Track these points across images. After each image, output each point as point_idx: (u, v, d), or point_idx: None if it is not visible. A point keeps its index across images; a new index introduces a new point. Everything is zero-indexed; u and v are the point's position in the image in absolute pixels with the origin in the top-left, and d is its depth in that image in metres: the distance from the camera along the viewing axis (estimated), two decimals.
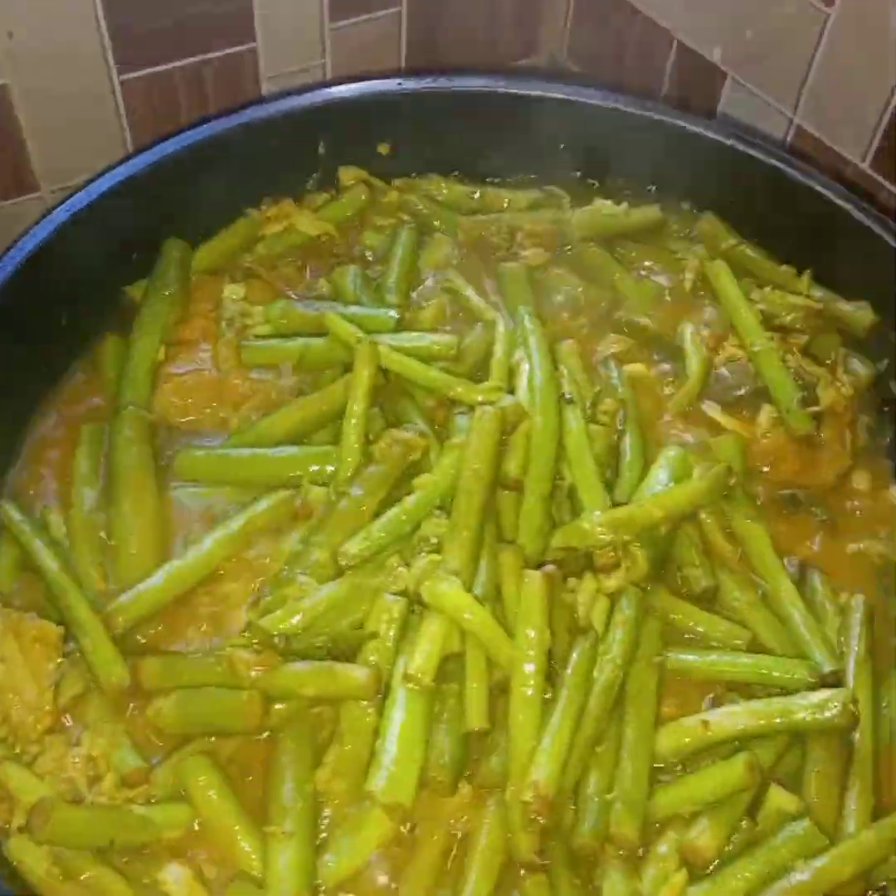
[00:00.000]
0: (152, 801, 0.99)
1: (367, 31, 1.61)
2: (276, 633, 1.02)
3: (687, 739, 1.03)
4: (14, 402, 1.24)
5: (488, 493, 1.09)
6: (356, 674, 1.00)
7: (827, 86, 1.42)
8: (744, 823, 1.00)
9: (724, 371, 1.28)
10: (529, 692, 0.99)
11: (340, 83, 1.35)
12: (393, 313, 1.25)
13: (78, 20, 1.39)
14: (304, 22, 1.54)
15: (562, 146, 1.44)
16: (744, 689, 1.07)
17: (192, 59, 1.50)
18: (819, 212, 1.30)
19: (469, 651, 1.01)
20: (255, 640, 1.02)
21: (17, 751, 1.00)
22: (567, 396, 1.20)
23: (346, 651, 1.03)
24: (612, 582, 1.07)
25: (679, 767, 1.03)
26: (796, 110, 1.48)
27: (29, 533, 1.12)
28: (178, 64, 1.49)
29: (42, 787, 0.96)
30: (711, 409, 1.26)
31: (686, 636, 1.10)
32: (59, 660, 1.04)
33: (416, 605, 1.04)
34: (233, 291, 1.30)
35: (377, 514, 1.09)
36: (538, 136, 1.41)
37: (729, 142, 1.34)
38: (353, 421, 1.15)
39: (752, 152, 1.33)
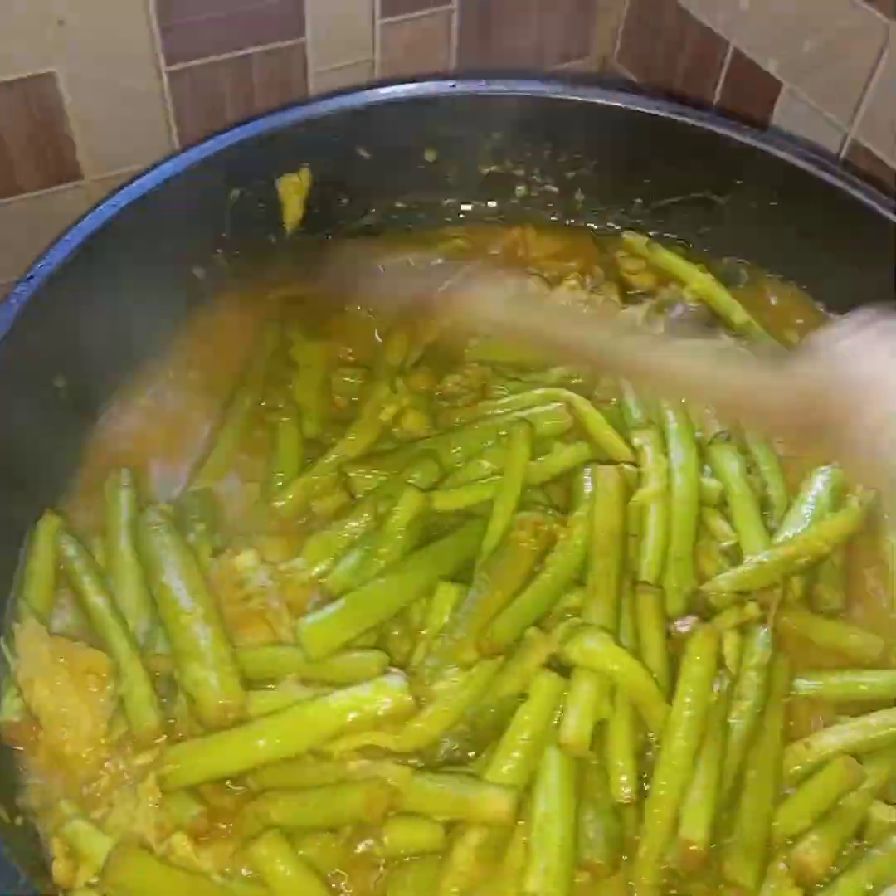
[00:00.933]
0: (226, 871, 0.93)
1: (418, 27, 1.59)
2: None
3: (792, 763, 1.00)
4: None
5: (622, 551, 1.06)
6: (493, 802, 0.92)
7: (885, 100, 1.39)
8: (854, 843, 0.97)
9: None
10: (682, 746, 0.96)
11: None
12: None
13: (128, 10, 1.38)
14: (354, 17, 1.53)
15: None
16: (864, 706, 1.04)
17: (239, 52, 1.48)
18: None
19: (616, 713, 0.98)
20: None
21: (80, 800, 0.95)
22: (723, 434, 1.20)
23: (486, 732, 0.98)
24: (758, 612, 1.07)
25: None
26: (852, 125, 1.45)
27: (75, 559, 1.08)
28: (225, 56, 1.48)
29: (109, 843, 0.91)
30: None
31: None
32: (110, 692, 0.99)
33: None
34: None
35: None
36: None
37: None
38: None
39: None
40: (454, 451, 1.16)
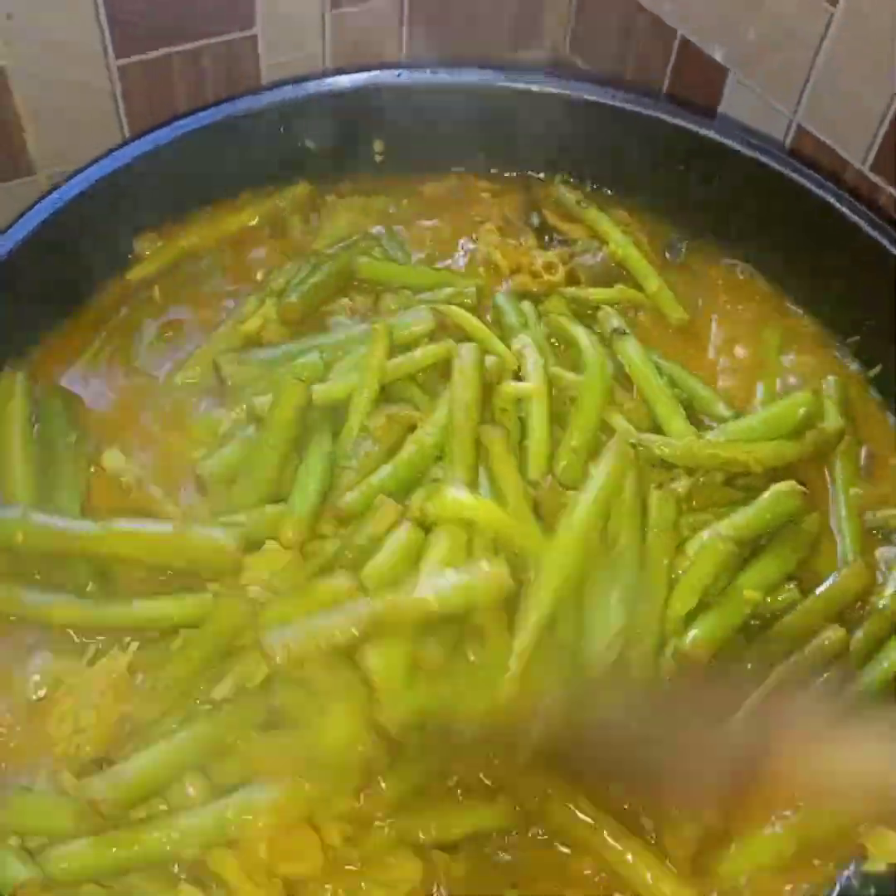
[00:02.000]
0: None
1: (368, 17, 1.60)
2: None
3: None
4: None
5: (478, 420, 1.12)
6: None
7: (829, 86, 1.42)
8: None
9: None
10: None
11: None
12: None
13: (76, 3, 1.38)
14: (303, 8, 1.53)
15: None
16: None
17: (191, 45, 1.49)
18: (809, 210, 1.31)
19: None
20: None
21: None
22: (619, 328, 1.26)
23: None
24: None
25: None
26: (797, 111, 1.47)
27: None
28: (176, 49, 1.48)
29: None
30: None
31: None
32: None
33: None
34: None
35: None
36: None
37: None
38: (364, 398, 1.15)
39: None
40: (323, 353, 1.21)
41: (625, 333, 1.26)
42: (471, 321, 1.25)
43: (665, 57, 1.62)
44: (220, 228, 1.40)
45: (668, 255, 1.44)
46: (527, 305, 1.32)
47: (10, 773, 0.97)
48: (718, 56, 1.54)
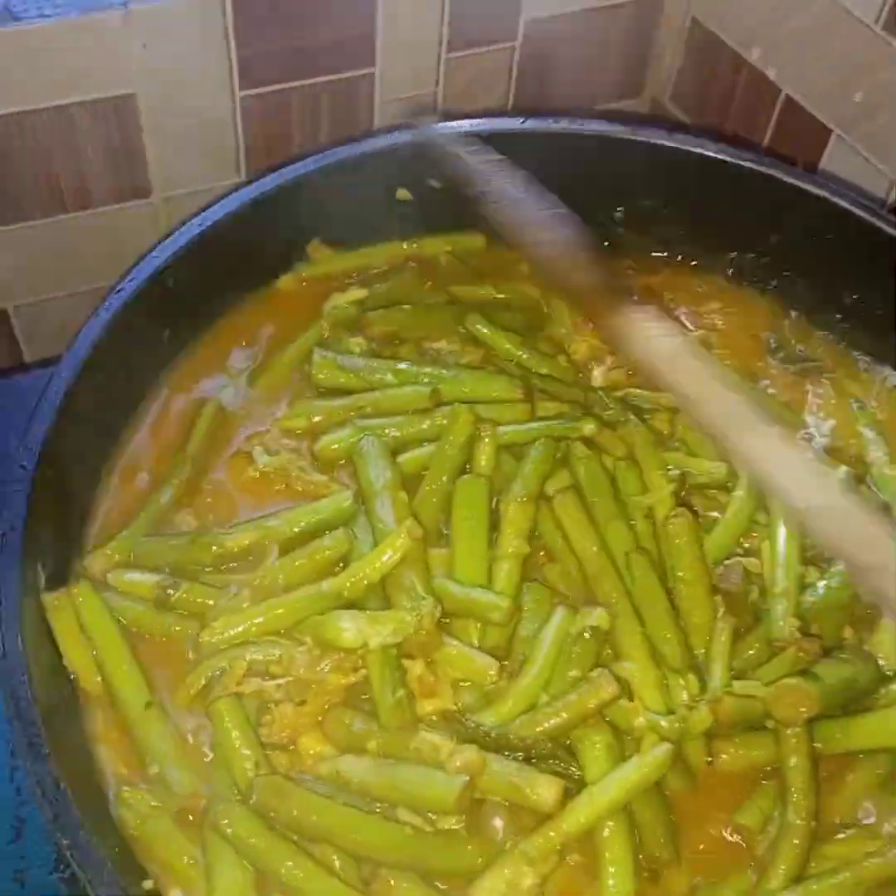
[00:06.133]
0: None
1: (481, 63, 1.65)
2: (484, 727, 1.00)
3: None
4: None
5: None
6: (544, 795, 0.95)
7: None
8: None
9: None
10: None
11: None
12: None
13: (207, 35, 1.43)
14: (422, 50, 1.58)
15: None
16: None
17: (310, 81, 1.54)
18: None
19: None
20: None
21: None
22: None
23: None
24: None
25: None
26: None
27: None
28: (296, 84, 1.53)
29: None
30: None
31: None
32: None
33: None
34: None
35: None
36: None
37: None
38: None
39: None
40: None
41: None
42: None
43: (768, 113, 1.65)
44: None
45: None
46: None
47: None
48: (822, 116, 1.57)
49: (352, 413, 1.22)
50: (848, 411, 1.35)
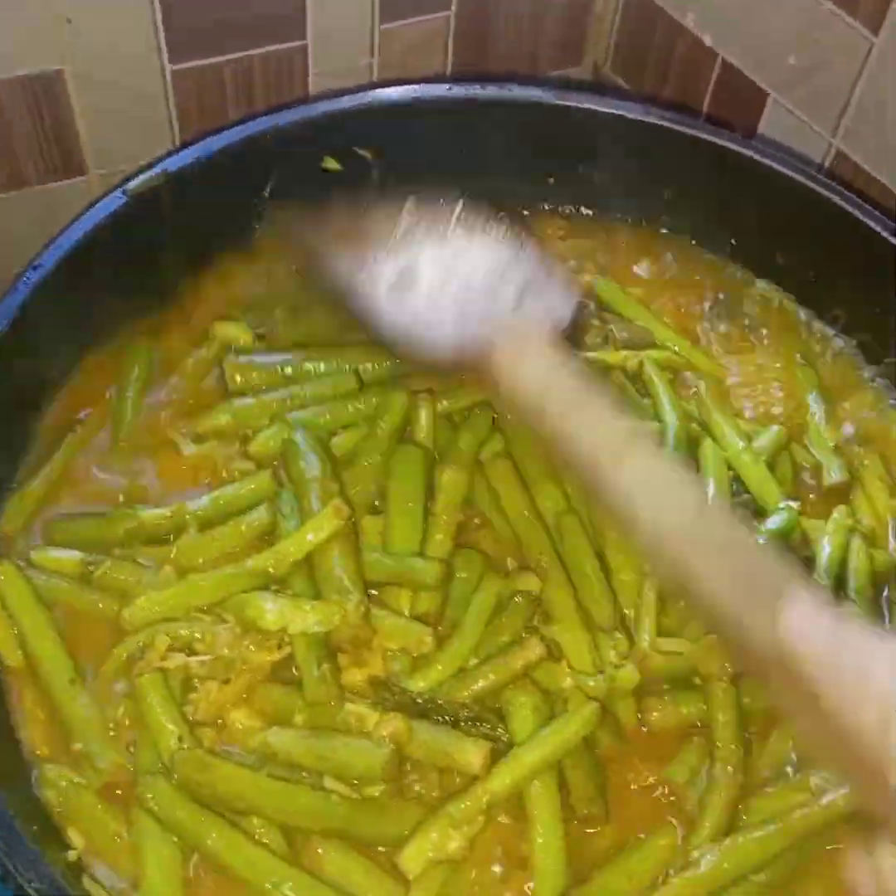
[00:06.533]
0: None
1: (416, 32, 1.63)
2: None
3: None
4: None
5: None
6: (472, 759, 0.95)
7: (868, 113, 1.44)
8: None
9: None
10: None
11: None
12: None
13: (134, 9, 1.41)
14: (354, 21, 1.57)
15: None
16: None
17: (242, 54, 1.52)
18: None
19: None
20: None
21: None
22: None
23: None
24: None
25: None
26: (836, 135, 1.49)
27: None
28: (228, 57, 1.52)
29: None
30: None
31: None
32: None
33: None
34: None
35: None
36: None
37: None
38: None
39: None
40: None
41: None
42: None
43: (706, 79, 1.65)
44: None
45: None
46: None
47: None
48: (759, 79, 1.57)
49: (276, 407, 1.19)
50: (789, 372, 1.36)
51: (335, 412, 1.19)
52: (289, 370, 1.22)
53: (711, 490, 1.13)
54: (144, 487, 1.16)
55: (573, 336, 1.05)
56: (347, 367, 1.22)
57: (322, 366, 1.22)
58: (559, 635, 1.03)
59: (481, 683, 0.99)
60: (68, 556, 1.06)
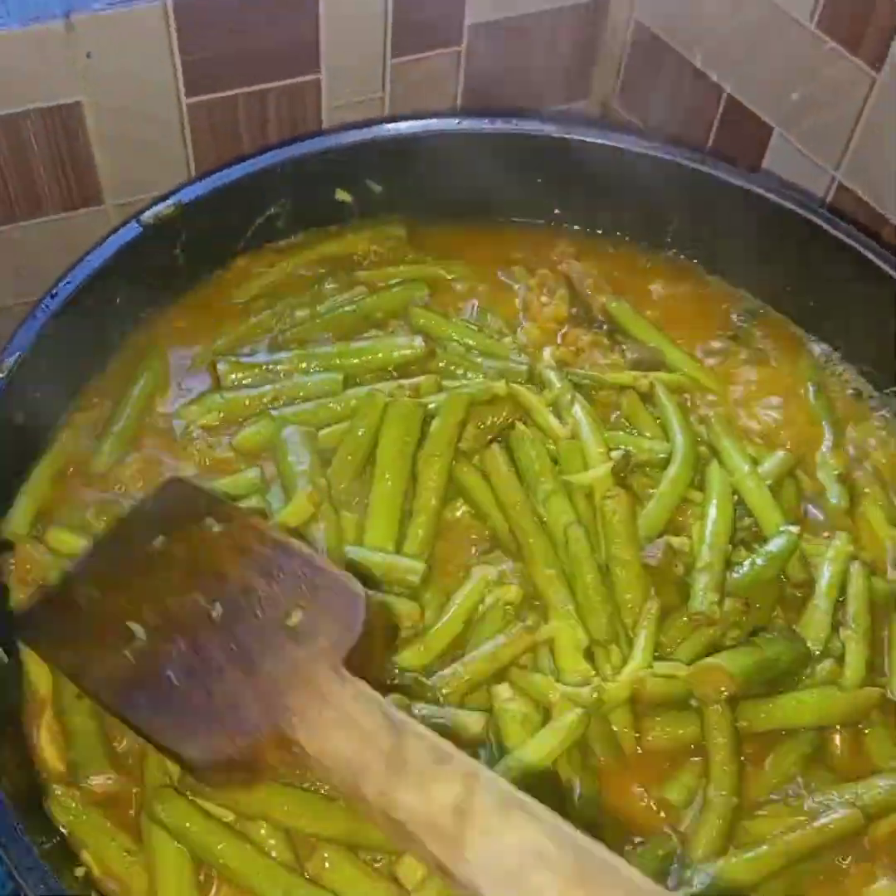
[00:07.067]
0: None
1: (427, 67, 1.67)
2: None
3: None
4: None
5: None
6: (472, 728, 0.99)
7: (870, 147, 1.46)
8: None
9: None
10: None
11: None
12: None
13: (152, 44, 1.45)
14: (367, 55, 1.60)
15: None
16: None
17: (257, 87, 1.56)
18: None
19: None
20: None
21: None
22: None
23: None
24: None
25: None
26: (839, 168, 1.52)
27: None
28: (242, 90, 1.56)
29: None
30: None
31: None
32: None
33: None
34: None
35: None
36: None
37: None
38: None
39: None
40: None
41: None
42: (531, 400, 1.26)
43: (712, 113, 1.68)
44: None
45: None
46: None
47: None
48: (763, 114, 1.60)
49: (264, 403, 1.25)
50: (798, 398, 1.39)
51: (319, 410, 1.24)
52: (278, 368, 1.29)
53: (713, 513, 1.15)
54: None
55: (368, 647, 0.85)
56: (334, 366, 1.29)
57: (313, 364, 1.29)
58: (554, 633, 1.06)
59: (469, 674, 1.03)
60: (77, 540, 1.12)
